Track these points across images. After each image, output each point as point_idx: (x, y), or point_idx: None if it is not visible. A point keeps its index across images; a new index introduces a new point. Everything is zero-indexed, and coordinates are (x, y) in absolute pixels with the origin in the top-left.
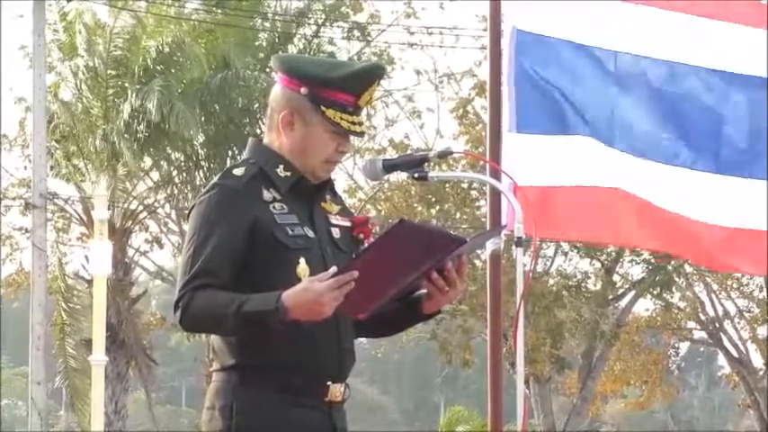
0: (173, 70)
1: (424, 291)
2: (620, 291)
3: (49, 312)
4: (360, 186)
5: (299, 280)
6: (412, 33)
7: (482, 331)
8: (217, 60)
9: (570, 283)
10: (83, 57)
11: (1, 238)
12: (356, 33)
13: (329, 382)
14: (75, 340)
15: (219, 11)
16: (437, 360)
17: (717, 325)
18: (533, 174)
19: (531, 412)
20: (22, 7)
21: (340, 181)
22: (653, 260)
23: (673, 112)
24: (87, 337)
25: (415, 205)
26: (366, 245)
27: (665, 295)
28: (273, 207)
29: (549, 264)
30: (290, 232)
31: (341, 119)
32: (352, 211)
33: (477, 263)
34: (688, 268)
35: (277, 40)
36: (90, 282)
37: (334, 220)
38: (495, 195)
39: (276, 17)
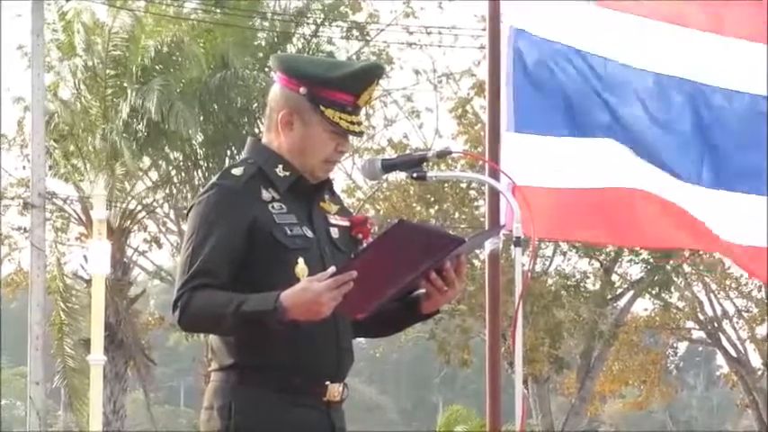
0: (171, 70)
1: (422, 291)
2: (619, 290)
3: (47, 312)
4: (358, 186)
5: (298, 280)
6: (411, 33)
7: (481, 331)
8: (215, 60)
9: (569, 282)
10: (81, 56)
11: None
12: (355, 33)
13: (328, 382)
14: (74, 340)
15: (218, 10)
16: (435, 360)
17: (715, 325)
18: (532, 174)
19: (529, 412)
20: (21, 7)
21: (339, 181)
22: (651, 260)
23: (665, 126)
24: (86, 336)
25: (414, 205)
26: (365, 245)
27: (663, 295)
28: (272, 207)
29: (547, 263)
30: (289, 232)
31: (340, 118)
32: (351, 210)
33: (476, 263)
34: (687, 268)
35: (276, 39)
36: (88, 281)
37: (333, 219)
38: (494, 195)
39: (275, 17)
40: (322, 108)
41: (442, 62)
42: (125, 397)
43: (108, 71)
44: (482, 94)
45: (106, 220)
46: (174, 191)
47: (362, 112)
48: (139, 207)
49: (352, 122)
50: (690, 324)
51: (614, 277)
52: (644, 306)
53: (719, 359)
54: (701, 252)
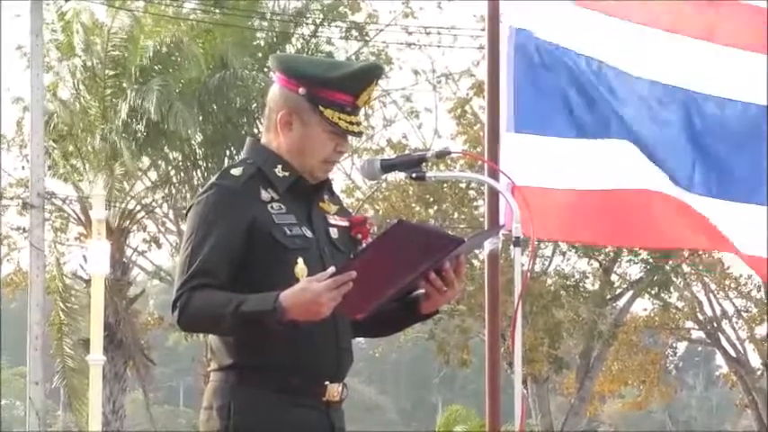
0: (171, 70)
1: (422, 291)
2: (618, 291)
3: (46, 312)
4: (357, 186)
5: (297, 280)
6: (410, 33)
7: (480, 331)
8: (215, 60)
9: (568, 282)
10: (80, 57)
11: None
12: (354, 33)
13: (327, 382)
14: (73, 340)
15: (217, 11)
16: (435, 360)
17: (715, 325)
18: (531, 174)
19: (528, 412)
20: (20, 7)
21: (338, 181)
22: (651, 260)
23: (660, 131)
24: (85, 336)
25: (413, 205)
26: (364, 245)
27: (662, 295)
28: (271, 207)
29: (547, 264)
30: (288, 232)
31: (339, 119)
32: (350, 211)
33: (476, 263)
34: (686, 268)
35: (275, 39)
36: (88, 281)
37: (332, 219)
38: (493, 195)
39: (274, 17)
40: (321, 108)
41: (441, 62)
42: (124, 397)
43: (107, 71)
44: (481, 94)
45: (105, 220)
46: (174, 191)
47: (361, 112)
48: (139, 207)
49: (351, 123)
50: (689, 324)
51: (613, 277)
52: (643, 306)
53: (719, 359)
54: (700, 252)
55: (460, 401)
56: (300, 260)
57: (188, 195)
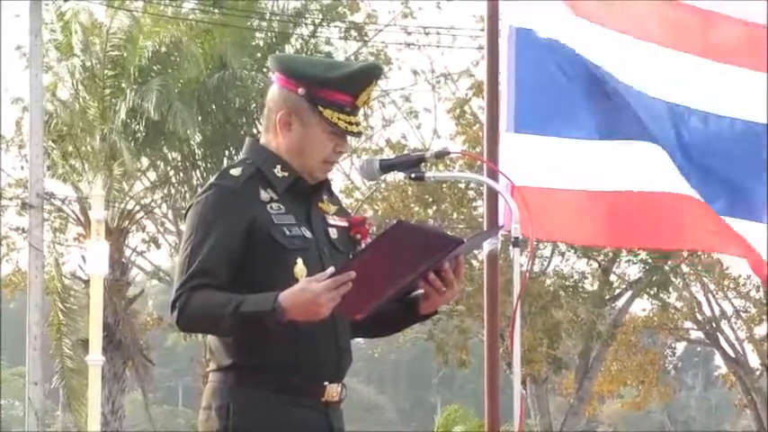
0: (170, 70)
1: (421, 291)
2: (617, 291)
3: (45, 312)
4: (357, 186)
5: (297, 280)
6: (409, 33)
7: (479, 331)
8: (214, 60)
9: (567, 283)
10: (79, 57)
11: None
12: (353, 33)
13: (326, 383)
14: (72, 340)
15: (216, 11)
16: (434, 360)
17: (714, 325)
18: (531, 174)
19: (527, 412)
20: (19, 7)
21: (337, 181)
22: (650, 260)
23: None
24: (84, 337)
25: (412, 205)
26: (363, 245)
27: (661, 295)
28: (271, 207)
29: (546, 264)
30: (288, 233)
31: (338, 119)
32: (349, 211)
33: (475, 263)
34: (685, 268)
35: (274, 40)
36: (87, 282)
37: (332, 220)
38: (493, 196)
39: (273, 17)
40: (320, 108)
41: (441, 62)
42: (123, 397)
43: (106, 71)
44: (480, 94)
45: (104, 221)
46: (173, 191)
47: (361, 112)
48: (138, 207)
49: (350, 123)
50: (688, 324)
51: (612, 278)
52: (642, 306)
53: (718, 359)
54: (699, 252)
55: (459, 402)
56: (300, 260)
57: (187, 196)
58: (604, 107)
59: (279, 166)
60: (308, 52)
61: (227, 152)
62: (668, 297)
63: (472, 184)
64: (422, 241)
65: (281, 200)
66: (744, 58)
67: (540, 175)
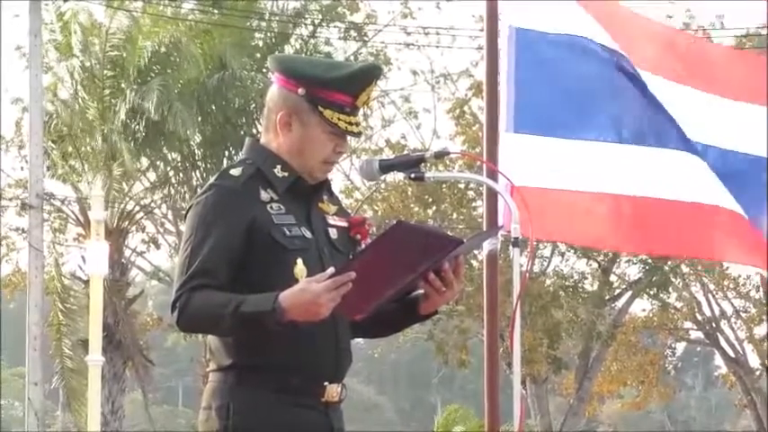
0: (169, 71)
1: (421, 291)
2: (617, 291)
3: (45, 313)
4: (356, 187)
5: (297, 281)
6: (408, 33)
7: (479, 331)
8: (213, 61)
9: (567, 283)
10: (78, 57)
11: None
12: (353, 33)
13: (326, 383)
14: (72, 341)
15: (216, 11)
16: (434, 360)
17: (713, 325)
18: (530, 174)
19: (527, 412)
20: (19, 7)
21: (337, 181)
22: (650, 261)
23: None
24: (84, 337)
25: (412, 206)
26: (363, 246)
27: (661, 295)
28: (271, 207)
29: (545, 264)
30: (288, 233)
31: (338, 119)
32: (349, 211)
33: (474, 263)
34: (685, 268)
35: (273, 40)
36: (87, 282)
37: (332, 220)
38: (492, 196)
39: (272, 17)
40: (321, 109)
41: (440, 63)
42: (123, 397)
43: (105, 72)
44: (480, 94)
45: (104, 221)
46: (172, 191)
47: (360, 112)
48: (137, 208)
49: (350, 123)
50: (688, 324)
51: (612, 278)
52: (642, 306)
53: (718, 359)
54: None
55: (459, 401)
56: (300, 261)
57: (187, 196)
58: (619, 108)
59: (279, 167)
60: (308, 52)
61: (226, 152)
62: (668, 297)
63: (472, 185)
64: (421, 241)
65: (282, 200)
66: (744, 91)
67: (540, 176)
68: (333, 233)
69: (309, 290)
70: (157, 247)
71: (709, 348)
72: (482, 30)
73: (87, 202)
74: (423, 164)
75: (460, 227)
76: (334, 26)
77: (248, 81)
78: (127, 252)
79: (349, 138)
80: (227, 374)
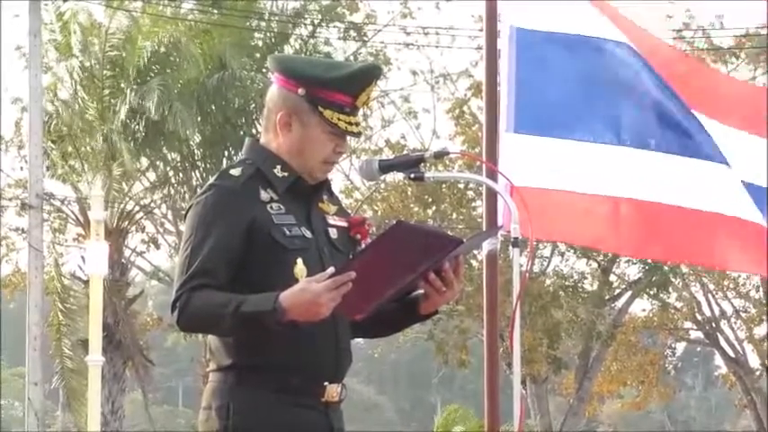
0: (169, 71)
1: (421, 291)
2: (617, 291)
3: (45, 313)
4: (356, 187)
5: (297, 280)
6: (408, 34)
7: (479, 331)
8: (213, 61)
9: (567, 283)
10: (78, 57)
11: None
12: (352, 34)
13: (326, 383)
14: (72, 341)
15: (215, 11)
16: (434, 360)
17: (713, 325)
18: (530, 174)
19: (527, 412)
20: (19, 7)
21: (336, 181)
22: (649, 261)
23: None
24: (84, 337)
25: (412, 206)
26: (363, 245)
27: (661, 295)
28: (271, 207)
29: (545, 264)
30: (288, 233)
31: (338, 119)
32: (349, 211)
33: (474, 263)
34: (684, 269)
35: (273, 40)
36: (86, 282)
37: (332, 220)
38: (492, 196)
39: (272, 17)
40: (321, 109)
41: (440, 63)
42: (123, 397)
43: (105, 72)
44: (479, 94)
45: (104, 221)
46: (172, 191)
47: (360, 112)
48: (137, 208)
49: (350, 123)
50: (688, 324)
51: (612, 278)
52: (642, 306)
53: (718, 359)
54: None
55: (459, 401)
56: (300, 260)
57: (187, 196)
58: (621, 110)
59: (279, 167)
60: (308, 52)
61: (226, 152)
62: (668, 297)
63: (471, 185)
64: (421, 241)
65: (282, 200)
66: (745, 121)
67: (540, 176)
68: (333, 233)
69: (309, 290)
70: (157, 247)
71: (709, 348)
72: (481, 30)
73: (87, 202)
74: (422, 164)
75: (460, 227)
76: (334, 26)
77: (248, 81)
78: (127, 252)
79: (349, 138)
80: (227, 374)
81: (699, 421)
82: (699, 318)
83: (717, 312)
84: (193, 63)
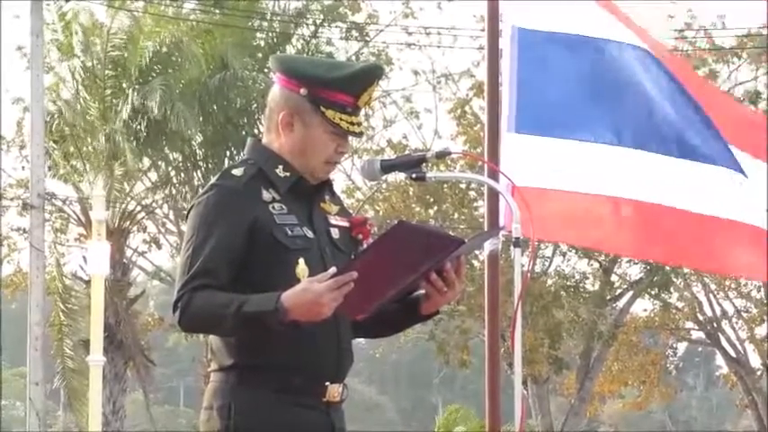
0: (170, 70)
1: (422, 291)
2: (618, 291)
3: (46, 313)
4: (358, 187)
5: (299, 280)
6: (410, 34)
7: (480, 332)
8: (215, 61)
9: (568, 283)
10: (80, 57)
11: None
12: (354, 34)
13: (328, 383)
14: (73, 341)
15: (217, 11)
16: (435, 360)
17: (715, 325)
18: (532, 174)
19: (528, 413)
20: (20, 7)
21: (338, 181)
22: (651, 261)
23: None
24: (85, 337)
25: (413, 206)
26: (365, 245)
27: (663, 295)
28: (273, 207)
29: (547, 264)
30: (290, 233)
31: (340, 119)
32: (351, 211)
33: (476, 263)
34: (686, 269)
35: (275, 40)
36: (88, 282)
37: (333, 220)
38: (493, 196)
39: (274, 17)
40: (323, 109)
41: (441, 63)
42: (124, 397)
43: (107, 72)
44: (481, 94)
45: (105, 221)
46: (174, 191)
47: (362, 112)
48: (139, 208)
49: (352, 123)
50: (689, 324)
51: (613, 278)
52: (643, 306)
53: (719, 359)
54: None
55: (460, 402)
56: (301, 260)
57: (188, 196)
58: (623, 111)
59: (281, 167)
60: (310, 53)
61: (228, 152)
62: (669, 297)
63: (473, 185)
64: (423, 241)
65: (283, 200)
66: (747, 144)
67: (541, 176)
68: (334, 233)
69: (311, 290)
70: (159, 247)
71: (710, 348)
72: (483, 30)
73: (89, 202)
74: (424, 164)
75: (462, 227)
76: (336, 26)
77: (250, 81)
78: (128, 252)
79: (350, 138)
80: (228, 374)
81: (700, 421)
82: (700, 318)
83: (718, 312)
84: (195, 63)
